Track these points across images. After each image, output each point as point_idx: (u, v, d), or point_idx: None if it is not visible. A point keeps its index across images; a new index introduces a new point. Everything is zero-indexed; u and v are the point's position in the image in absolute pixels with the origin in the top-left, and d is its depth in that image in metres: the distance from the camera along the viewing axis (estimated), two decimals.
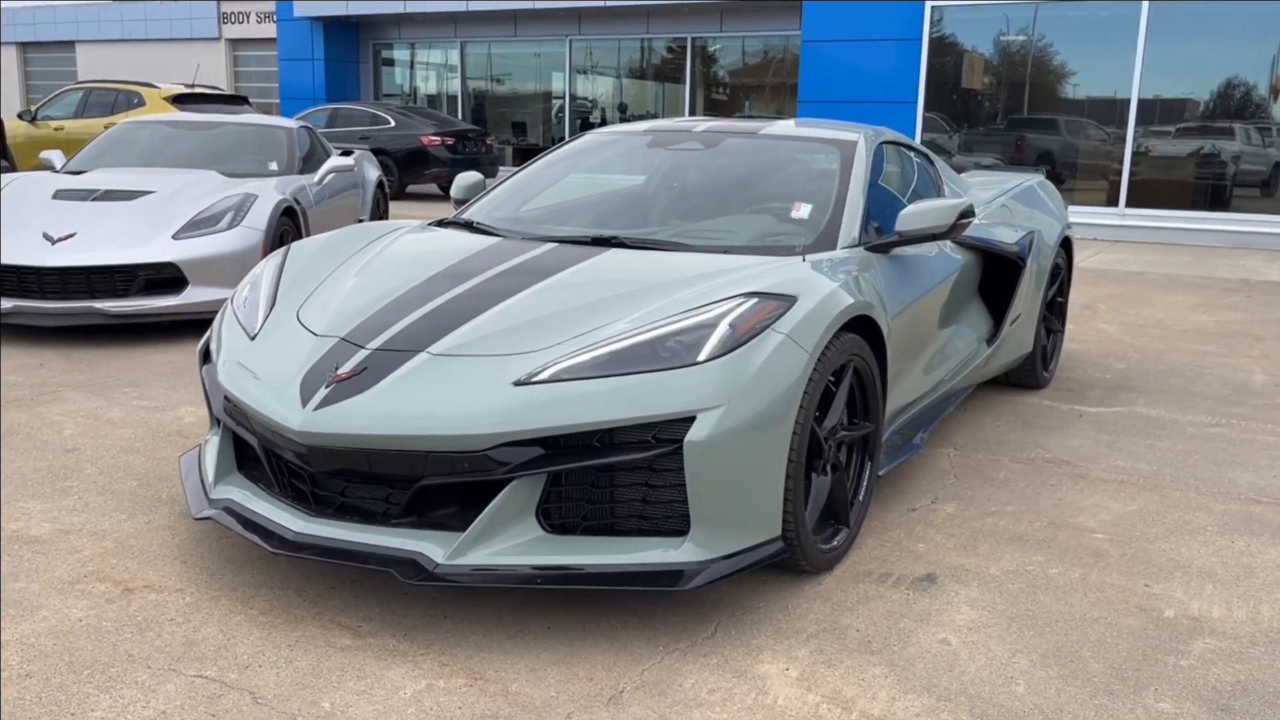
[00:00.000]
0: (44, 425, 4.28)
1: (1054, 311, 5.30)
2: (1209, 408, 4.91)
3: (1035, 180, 5.44)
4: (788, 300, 2.81)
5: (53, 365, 5.28)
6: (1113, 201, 12.31)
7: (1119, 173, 12.27)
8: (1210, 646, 2.67)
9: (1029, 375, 5.05)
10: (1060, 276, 5.30)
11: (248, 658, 2.52)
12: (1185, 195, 12.17)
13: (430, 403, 2.61)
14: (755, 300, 2.79)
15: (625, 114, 19.44)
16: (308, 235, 6.23)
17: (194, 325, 6.08)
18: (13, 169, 12.95)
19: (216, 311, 5.82)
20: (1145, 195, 12.20)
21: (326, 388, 2.70)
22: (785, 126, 4.27)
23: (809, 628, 2.72)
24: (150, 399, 4.72)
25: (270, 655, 2.53)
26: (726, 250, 3.41)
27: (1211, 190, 12.14)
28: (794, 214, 3.65)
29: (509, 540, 2.59)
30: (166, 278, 5.83)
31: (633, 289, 3.00)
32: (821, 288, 2.93)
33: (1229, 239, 11.62)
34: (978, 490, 3.75)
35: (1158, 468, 4.04)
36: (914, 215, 3.46)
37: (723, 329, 2.68)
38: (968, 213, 3.49)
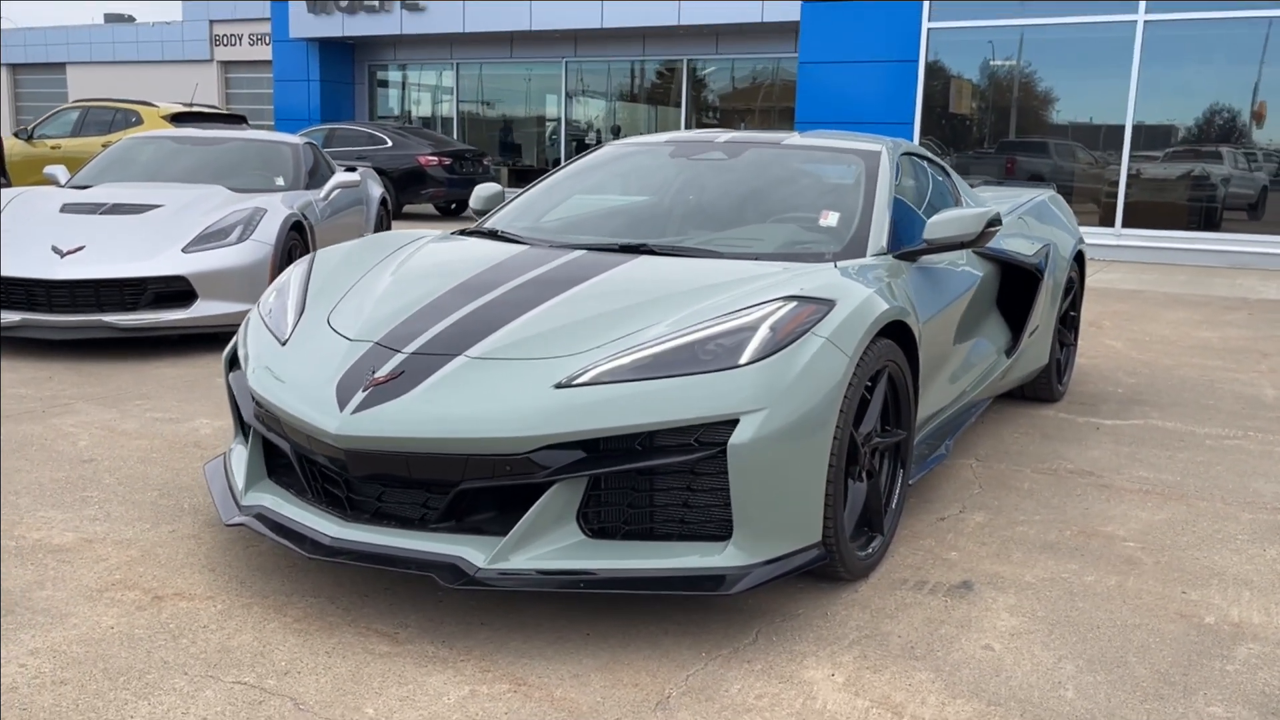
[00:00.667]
0: (58, 436, 4.24)
1: (1067, 325, 5.30)
2: (1224, 420, 4.92)
3: (1047, 195, 5.47)
4: (827, 304, 2.80)
5: (62, 378, 5.23)
6: (1108, 222, 12.39)
7: (1114, 195, 12.35)
8: (1254, 651, 2.65)
9: (1044, 388, 5.05)
10: (1073, 290, 5.32)
11: (285, 664, 2.48)
12: (1180, 217, 12.27)
13: (470, 405, 2.59)
14: (794, 304, 2.78)
15: (620, 136, 19.50)
16: (315, 250, 6.20)
17: (203, 339, 6.04)
18: (9, 186, 12.89)
19: (225, 325, 5.83)
20: (1141, 216, 12.29)
21: (364, 391, 2.68)
22: (806, 137, 4.28)
23: (850, 634, 2.69)
24: (164, 411, 4.67)
25: (308, 662, 2.49)
26: (757, 257, 3.40)
27: (1204, 212, 12.24)
28: (822, 222, 3.65)
29: (550, 545, 2.56)
30: (175, 291, 5.79)
31: (668, 293, 2.99)
32: (858, 293, 2.92)
33: (1224, 259, 11.70)
34: (1004, 500, 3.74)
35: (1181, 478, 4.03)
36: (942, 223, 3.47)
37: (764, 332, 2.67)
38: (995, 221, 3.49)
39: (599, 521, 2.60)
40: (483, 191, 4.37)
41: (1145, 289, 9.72)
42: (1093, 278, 10.32)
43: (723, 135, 4.31)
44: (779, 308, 2.76)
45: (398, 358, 2.78)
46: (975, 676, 2.50)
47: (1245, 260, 11.64)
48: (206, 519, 3.36)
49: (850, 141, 4.13)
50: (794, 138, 4.23)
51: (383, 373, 2.73)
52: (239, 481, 3.02)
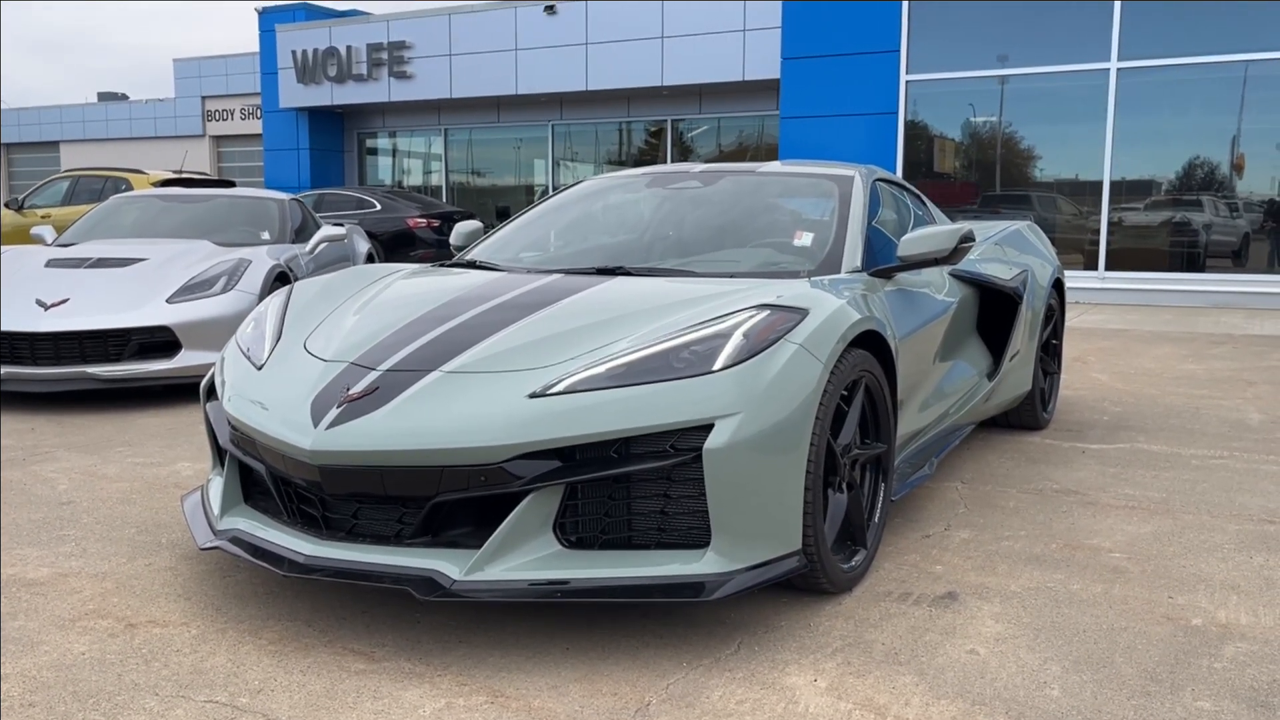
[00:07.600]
0: (37, 481, 4.20)
1: (1049, 353, 5.32)
2: (1210, 443, 4.91)
3: (1024, 224, 5.52)
4: (799, 313, 2.81)
5: (44, 429, 5.20)
6: (1091, 266, 12.50)
7: (1096, 242, 12.46)
8: (1242, 650, 2.62)
9: (1029, 415, 5.05)
10: (1054, 318, 5.34)
11: (259, 683, 2.44)
12: (1162, 262, 12.38)
13: (445, 417, 2.58)
14: (768, 312, 2.79)
15: None
16: None
17: (187, 390, 6.02)
18: None
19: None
20: (1124, 260, 12.40)
21: (338, 408, 2.67)
22: (781, 165, 4.33)
23: (833, 643, 2.66)
24: (145, 457, 4.65)
25: (282, 680, 2.45)
26: (732, 276, 3.42)
27: (1186, 258, 12.35)
28: (796, 242, 3.68)
29: (527, 555, 2.53)
30: (160, 341, 5.79)
31: (643, 308, 3.00)
32: (830, 303, 2.93)
33: (1208, 299, 11.78)
34: (989, 518, 3.72)
35: (1167, 495, 4.02)
36: (916, 240, 3.50)
37: (737, 339, 2.67)
38: (968, 237, 3.52)
39: (576, 532, 2.58)
40: (463, 228, 4.41)
41: (1130, 328, 9.77)
42: (1077, 319, 10.38)
43: (697, 167, 4.35)
44: (752, 315, 2.77)
45: (372, 375, 2.78)
46: (960, 679, 2.46)
47: (1229, 300, 11.71)
48: (184, 553, 3.32)
49: (825, 168, 4.18)
50: (769, 166, 4.29)
51: (357, 389, 2.72)
52: (214, 507, 3.00)
